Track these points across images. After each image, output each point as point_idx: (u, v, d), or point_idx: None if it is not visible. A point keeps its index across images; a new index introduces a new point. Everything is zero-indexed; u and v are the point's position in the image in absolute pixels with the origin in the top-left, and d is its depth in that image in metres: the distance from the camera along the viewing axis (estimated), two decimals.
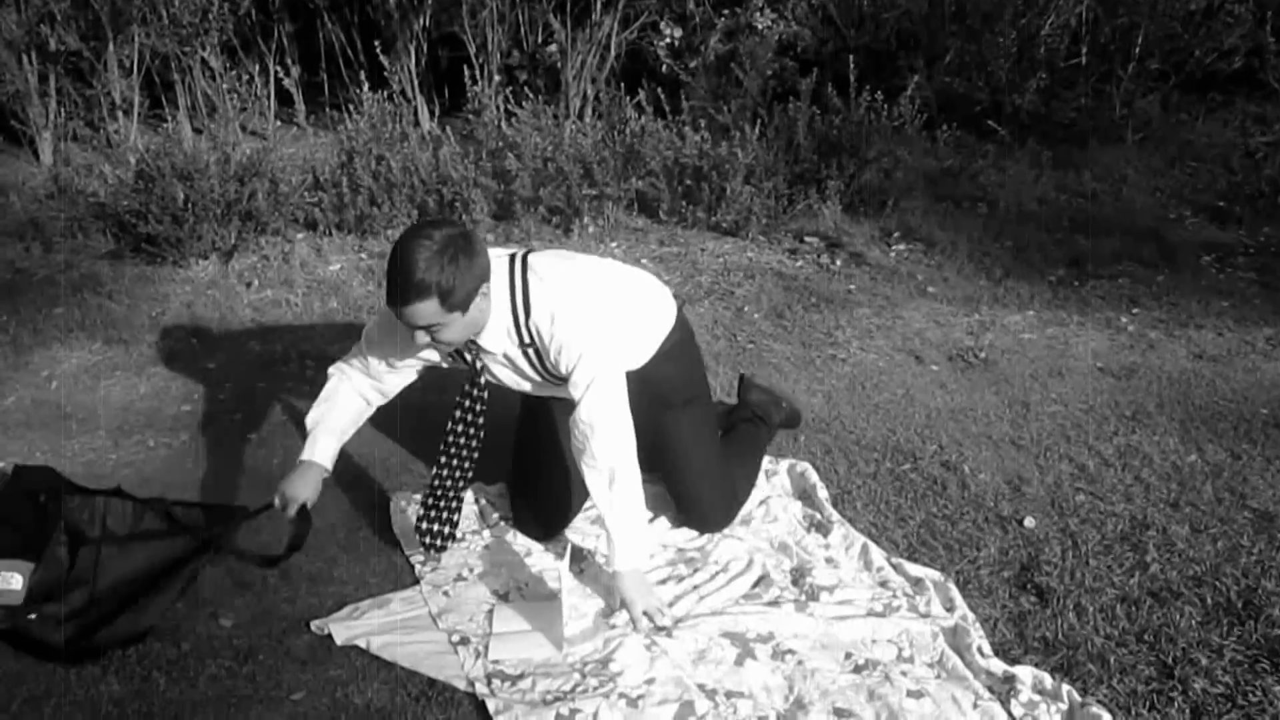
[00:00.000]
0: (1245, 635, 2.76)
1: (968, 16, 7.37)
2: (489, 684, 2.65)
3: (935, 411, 4.03)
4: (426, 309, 2.61)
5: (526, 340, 2.85)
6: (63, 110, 6.92)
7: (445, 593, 3.01)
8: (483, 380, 2.96)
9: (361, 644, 2.79)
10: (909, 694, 2.62)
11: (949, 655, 2.73)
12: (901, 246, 5.74)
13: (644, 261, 5.48)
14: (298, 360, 4.46)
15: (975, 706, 2.56)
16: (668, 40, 7.46)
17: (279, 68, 7.61)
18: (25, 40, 6.53)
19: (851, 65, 6.24)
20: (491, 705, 2.56)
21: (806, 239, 5.80)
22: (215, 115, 7.15)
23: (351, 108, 6.42)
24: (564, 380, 2.87)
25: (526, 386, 3.04)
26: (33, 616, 2.84)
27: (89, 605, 2.88)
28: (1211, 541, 3.17)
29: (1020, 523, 3.29)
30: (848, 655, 2.77)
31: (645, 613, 2.82)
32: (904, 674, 2.69)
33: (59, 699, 2.63)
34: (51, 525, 2.96)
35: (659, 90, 6.49)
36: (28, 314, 4.84)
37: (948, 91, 7.37)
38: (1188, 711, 2.52)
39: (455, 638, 2.83)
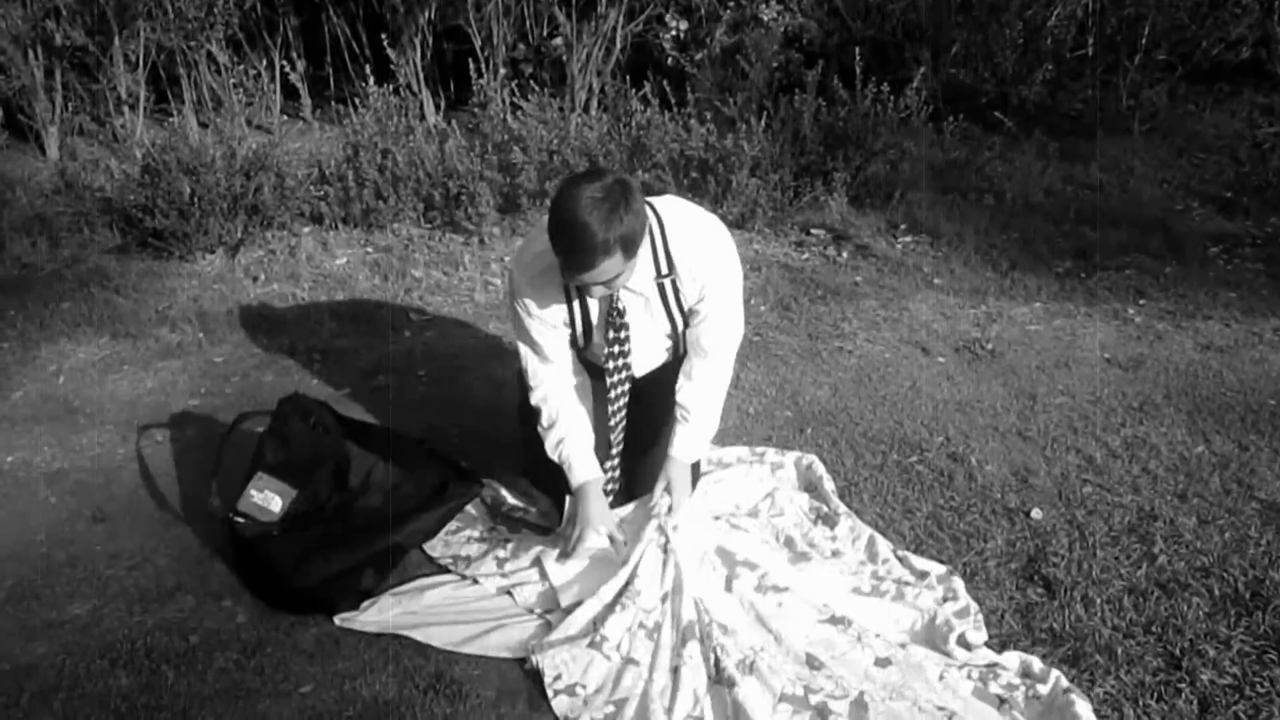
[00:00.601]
0: (1253, 626, 2.76)
1: (974, 8, 7.34)
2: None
3: (942, 403, 4.03)
4: (612, 265, 2.65)
5: (664, 271, 2.91)
6: (69, 105, 6.92)
7: (504, 575, 3.06)
8: (624, 334, 3.00)
9: (394, 624, 2.85)
10: (876, 661, 2.69)
11: (918, 640, 2.79)
12: (908, 238, 5.73)
13: None
14: (304, 354, 4.46)
15: (941, 679, 2.62)
16: (673, 33, 7.44)
17: (284, 62, 7.61)
18: (31, 35, 6.53)
19: (857, 57, 6.23)
20: (534, 653, 2.73)
21: (813, 231, 5.80)
22: (221, 109, 7.14)
23: (357, 101, 6.42)
24: (680, 322, 3.03)
25: (649, 343, 3.10)
26: (275, 533, 2.99)
27: (327, 542, 2.98)
28: (1219, 533, 3.17)
29: (1027, 514, 3.29)
30: (825, 605, 2.87)
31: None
32: (878, 636, 2.77)
33: (68, 693, 2.65)
34: (323, 456, 3.13)
35: (664, 83, 6.47)
36: (35, 309, 4.85)
37: (954, 83, 7.35)
38: (1195, 702, 2.52)
39: (539, 609, 2.92)
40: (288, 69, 7.60)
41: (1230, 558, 3.05)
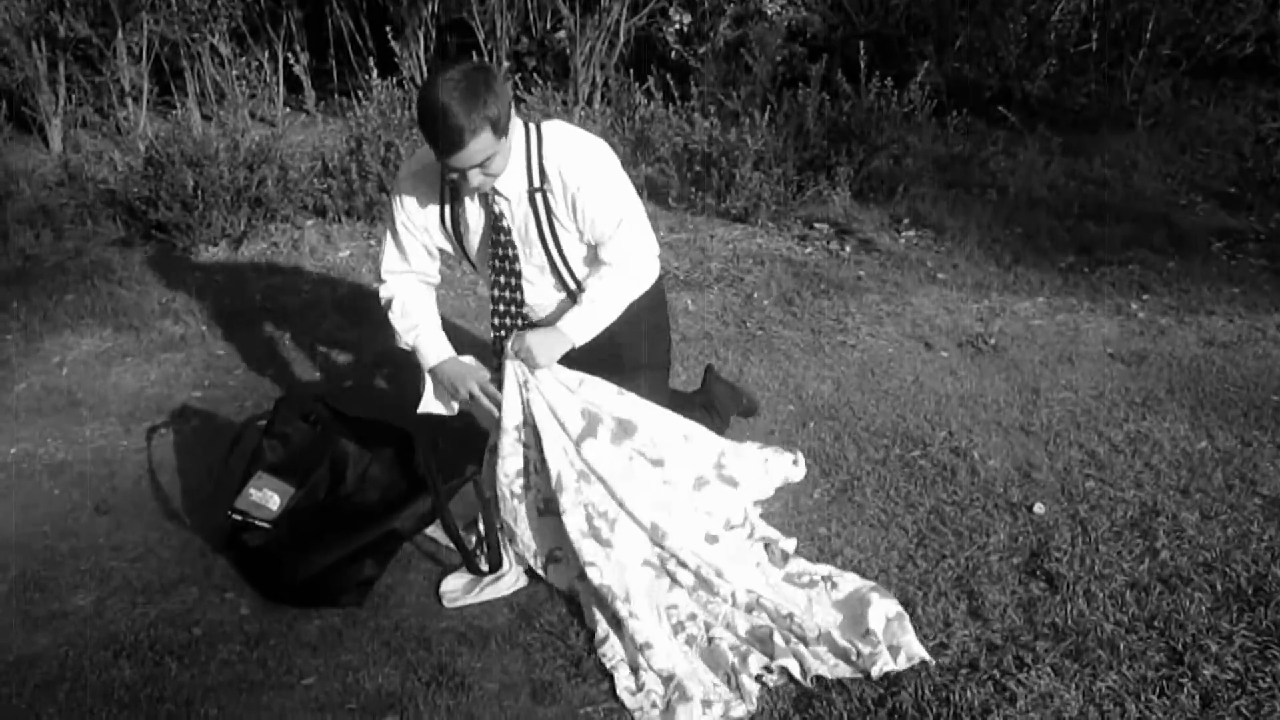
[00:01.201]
0: (1255, 621, 2.76)
1: (978, 2, 7.34)
2: None
3: (945, 398, 4.02)
4: (482, 143, 2.69)
5: (537, 183, 2.91)
6: (72, 97, 6.92)
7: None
8: (506, 239, 3.00)
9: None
10: (706, 537, 3.01)
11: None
12: (911, 233, 5.73)
13: None
14: (307, 346, 4.47)
15: (757, 565, 2.97)
16: (677, 26, 7.45)
17: (288, 54, 7.61)
18: (35, 27, 6.54)
19: (861, 51, 6.23)
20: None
21: (816, 225, 5.80)
22: (224, 102, 7.15)
23: (360, 94, 6.42)
24: (557, 248, 2.99)
25: (534, 268, 3.07)
26: (267, 526, 3.00)
27: (326, 535, 2.98)
28: (1222, 528, 3.17)
29: (1030, 509, 3.29)
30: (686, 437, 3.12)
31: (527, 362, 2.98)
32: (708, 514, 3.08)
33: (72, 684, 2.65)
34: (321, 454, 3.13)
35: (668, 76, 6.49)
36: (38, 301, 4.85)
37: (958, 78, 7.35)
38: (1197, 698, 2.52)
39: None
40: (291, 62, 7.60)
41: (1233, 553, 3.04)
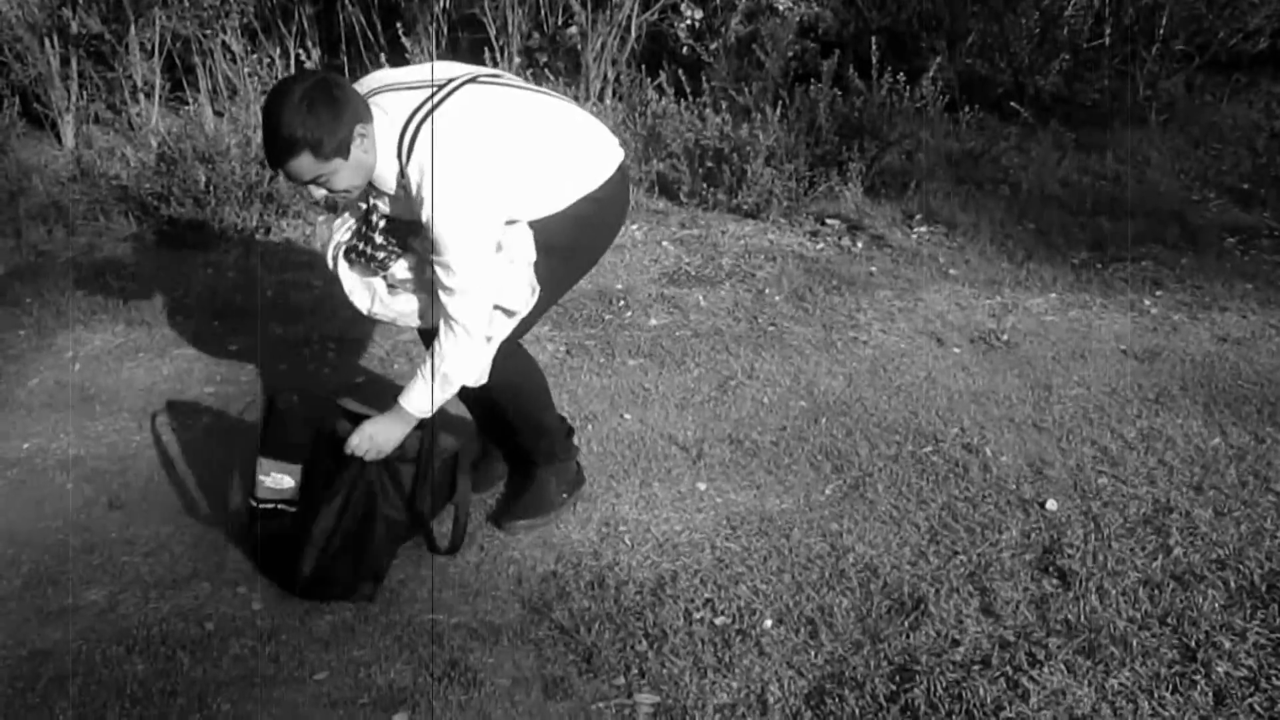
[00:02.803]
0: (1269, 619, 2.75)
1: None
2: None
3: (957, 394, 4.02)
4: (302, 164, 2.57)
5: (402, 185, 2.72)
6: (84, 93, 6.93)
7: None
8: (374, 218, 2.84)
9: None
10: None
11: None
12: (923, 229, 5.72)
13: (664, 244, 5.48)
14: (319, 343, 4.47)
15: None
16: (688, 22, 7.43)
17: (300, 50, 7.60)
18: (47, 23, 6.54)
19: (873, 47, 6.22)
20: None
21: (828, 221, 5.79)
22: (236, 98, 7.14)
23: None
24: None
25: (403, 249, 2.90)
26: (293, 508, 2.99)
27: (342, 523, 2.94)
28: (1235, 525, 3.16)
29: (1042, 506, 3.28)
30: None
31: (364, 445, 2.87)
32: None
33: (84, 678, 2.66)
34: (318, 429, 3.06)
35: (680, 72, 6.47)
36: (51, 296, 4.86)
37: (970, 73, 7.33)
38: (1210, 695, 2.51)
39: None
40: (303, 57, 7.60)
41: (1246, 550, 3.04)
